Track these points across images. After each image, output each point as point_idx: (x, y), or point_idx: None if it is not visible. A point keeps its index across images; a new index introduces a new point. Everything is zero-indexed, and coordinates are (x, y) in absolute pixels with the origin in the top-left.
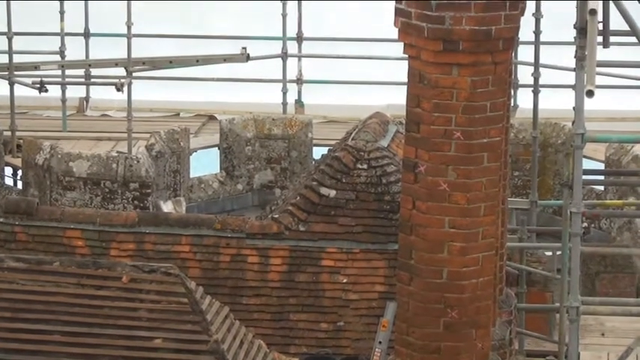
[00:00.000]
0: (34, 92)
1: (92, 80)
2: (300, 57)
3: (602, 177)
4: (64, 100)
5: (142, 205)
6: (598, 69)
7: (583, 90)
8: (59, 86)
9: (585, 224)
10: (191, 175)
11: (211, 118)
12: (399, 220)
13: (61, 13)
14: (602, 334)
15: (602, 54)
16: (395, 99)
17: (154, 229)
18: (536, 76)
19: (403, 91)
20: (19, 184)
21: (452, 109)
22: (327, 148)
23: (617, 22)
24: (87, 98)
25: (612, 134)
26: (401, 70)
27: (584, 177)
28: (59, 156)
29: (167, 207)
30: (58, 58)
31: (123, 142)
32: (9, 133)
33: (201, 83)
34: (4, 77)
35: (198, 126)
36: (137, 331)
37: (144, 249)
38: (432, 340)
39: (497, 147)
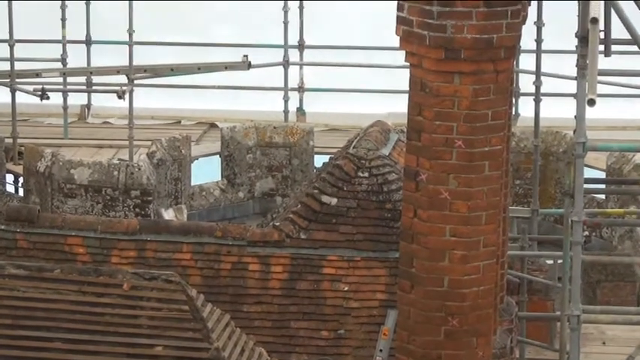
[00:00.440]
0: (36, 99)
1: (94, 88)
2: (301, 65)
3: (603, 186)
4: (65, 107)
5: (143, 212)
6: (599, 78)
7: (584, 99)
8: (61, 93)
9: (586, 233)
10: (192, 183)
11: (212, 125)
12: (400, 229)
13: (63, 20)
14: (603, 343)
15: (603, 63)
16: (396, 107)
17: (155, 237)
18: (537, 84)
19: (405, 99)
20: (21, 192)
21: (453, 117)
22: (328, 156)
23: (618, 30)
24: (88, 106)
25: (613, 143)
26: (402, 79)
27: (586, 186)
28: (60, 163)
29: (168, 214)
30: (59, 65)
31: (124, 149)
32: (10, 140)
33: (203, 91)
34: (5, 84)
35: (200, 134)
36: (138, 339)
37: (145, 256)
38: (432, 349)
39: (498, 155)
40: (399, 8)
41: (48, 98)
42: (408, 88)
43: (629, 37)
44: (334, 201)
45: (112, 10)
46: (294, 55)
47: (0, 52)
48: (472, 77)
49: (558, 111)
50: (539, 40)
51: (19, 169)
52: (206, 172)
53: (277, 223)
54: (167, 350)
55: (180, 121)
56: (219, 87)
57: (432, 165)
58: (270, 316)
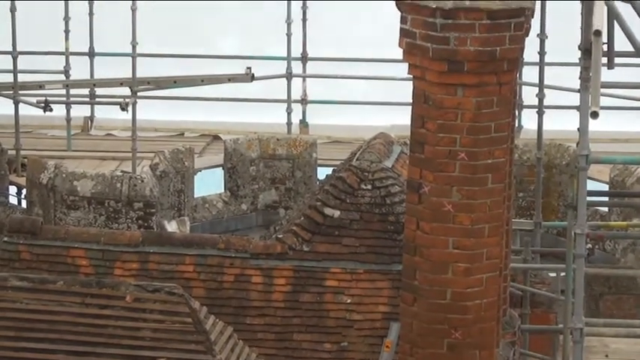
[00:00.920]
0: (39, 111)
1: (97, 100)
2: (304, 77)
3: (606, 198)
4: (68, 119)
5: (146, 224)
6: (603, 90)
7: (587, 111)
8: (64, 105)
9: (589, 245)
10: (195, 195)
11: (216, 137)
12: (403, 241)
13: (66, 32)
14: (606, 356)
15: (606, 75)
16: (399, 119)
17: (158, 249)
18: (540, 97)
19: (408, 111)
20: (24, 203)
21: (456, 129)
22: (331, 168)
23: (621, 43)
24: (91, 117)
25: (617, 155)
26: (405, 91)
27: (589, 198)
28: (63, 175)
29: (171, 227)
30: (62, 77)
31: (127, 161)
32: (14, 152)
33: (206, 103)
34: (9, 96)
35: (203, 146)
36: (141, 351)
37: (148, 268)
38: None
39: (501, 168)
40: (403, 20)
41: (51, 110)
42: (411, 101)
43: (633, 50)
44: (337, 213)
45: (115, 22)
46: (297, 68)
47: (3, 63)
48: (475, 90)
49: (561, 123)
50: (542, 53)
51: (22, 180)
52: (209, 184)
53: (280, 236)
54: None
55: (183, 133)
56: (222, 99)
57: (435, 177)
58: (272, 329)
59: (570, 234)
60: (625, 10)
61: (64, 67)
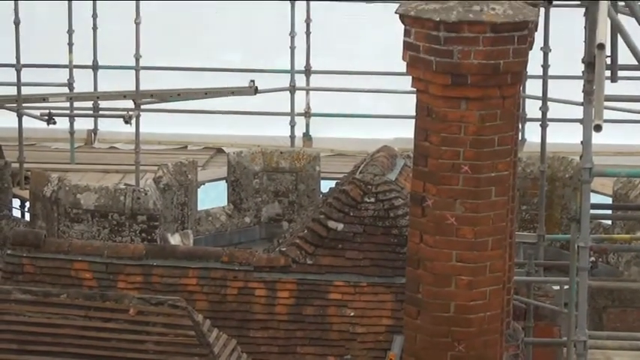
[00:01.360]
0: (43, 124)
1: (100, 112)
2: (308, 90)
3: (609, 211)
4: (72, 132)
5: (149, 237)
6: (606, 103)
7: (591, 124)
8: (67, 118)
9: (593, 258)
10: (199, 208)
11: (219, 150)
12: (407, 254)
13: (70, 45)
14: None
15: (610, 88)
16: (403, 132)
17: (162, 262)
18: (544, 110)
19: (411, 124)
20: (27, 216)
21: (460, 142)
22: (334, 181)
23: (625, 56)
24: (95, 130)
25: (620, 168)
26: (409, 104)
27: (592, 211)
28: (67, 188)
29: (174, 240)
30: (66, 90)
31: (131, 174)
32: (17, 165)
33: (209, 116)
34: (12, 109)
35: (206, 159)
36: None
37: (151, 281)
38: None
39: (505, 181)
40: (406, 34)
41: (54, 123)
42: (414, 114)
43: (636, 63)
44: (340, 226)
45: (118, 35)
46: (300, 81)
47: (7, 76)
48: (479, 103)
49: (565, 136)
50: (545, 66)
51: (26, 193)
52: (212, 197)
53: (283, 249)
54: None
55: (186, 146)
56: (225, 112)
57: (439, 190)
58: (276, 342)
59: (574, 247)
60: (628, 24)
61: (68, 79)
